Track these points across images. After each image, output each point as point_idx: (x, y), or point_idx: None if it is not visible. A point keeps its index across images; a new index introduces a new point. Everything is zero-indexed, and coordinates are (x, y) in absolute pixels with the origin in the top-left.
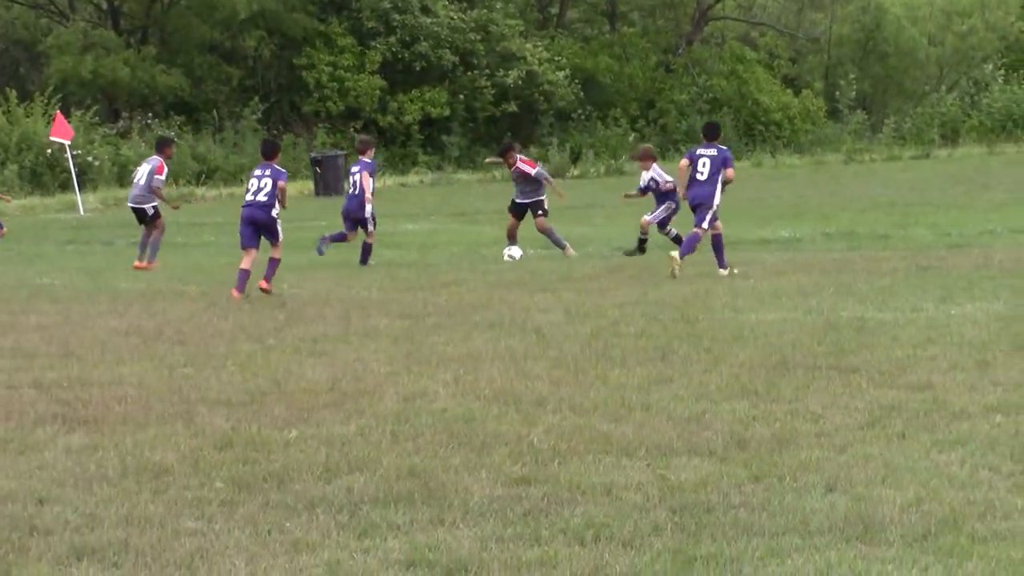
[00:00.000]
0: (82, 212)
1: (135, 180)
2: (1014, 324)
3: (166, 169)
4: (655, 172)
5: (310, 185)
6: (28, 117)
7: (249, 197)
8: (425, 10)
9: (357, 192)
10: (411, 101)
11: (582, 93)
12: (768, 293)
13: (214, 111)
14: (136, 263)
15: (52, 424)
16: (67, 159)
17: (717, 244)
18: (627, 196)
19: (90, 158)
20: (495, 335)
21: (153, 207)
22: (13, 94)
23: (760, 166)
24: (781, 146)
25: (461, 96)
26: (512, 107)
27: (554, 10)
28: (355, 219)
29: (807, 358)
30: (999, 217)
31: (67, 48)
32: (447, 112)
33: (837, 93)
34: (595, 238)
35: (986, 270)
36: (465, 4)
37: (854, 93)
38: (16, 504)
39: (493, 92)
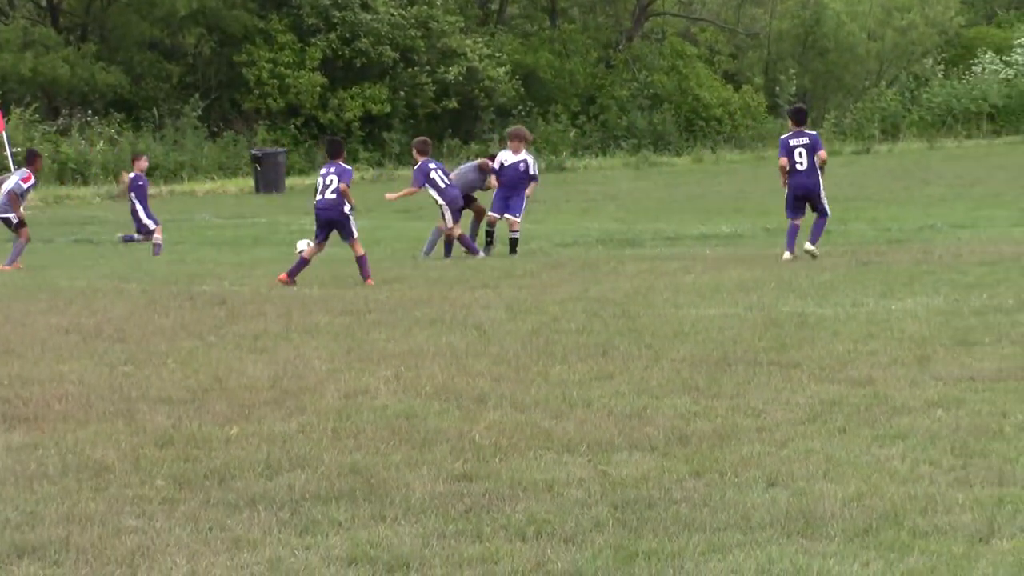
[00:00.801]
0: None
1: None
2: (954, 319)
3: (32, 180)
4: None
5: (250, 182)
6: None
7: (319, 196)
8: (365, 6)
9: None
10: (352, 98)
11: (523, 89)
12: (709, 289)
13: (154, 108)
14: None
15: None
16: (6, 157)
17: (792, 231)
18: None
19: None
20: (436, 331)
21: (18, 216)
22: None
23: (701, 161)
24: (722, 142)
25: (402, 92)
26: (453, 103)
27: (494, 6)
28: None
29: (748, 353)
30: (939, 212)
31: (6, 46)
32: (388, 109)
33: (777, 88)
34: (538, 234)
35: (926, 265)
36: (405, 1)
37: (794, 88)
38: None
39: (434, 88)
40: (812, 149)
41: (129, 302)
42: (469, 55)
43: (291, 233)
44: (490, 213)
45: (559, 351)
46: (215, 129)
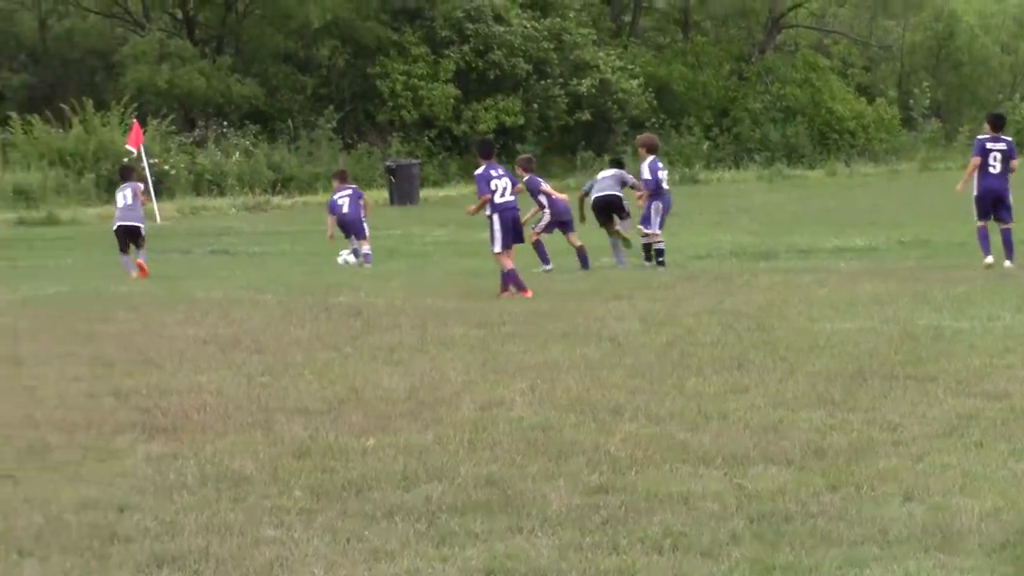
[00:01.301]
0: (158, 221)
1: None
2: None
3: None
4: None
5: (385, 194)
6: (105, 126)
7: (499, 199)
8: (498, 19)
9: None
10: (485, 110)
11: (656, 102)
12: (844, 302)
13: (289, 120)
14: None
15: (132, 432)
16: (143, 168)
17: (983, 234)
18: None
19: (166, 167)
20: (571, 344)
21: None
22: (90, 103)
23: (834, 175)
24: (855, 155)
25: (535, 105)
26: (586, 116)
27: (627, 19)
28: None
29: (884, 367)
30: None
31: (143, 58)
32: (521, 121)
33: (911, 101)
34: (672, 247)
35: None
36: (538, 13)
37: (928, 101)
38: (97, 511)
39: (567, 101)
40: (1007, 155)
41: (266, 313)
42: (602, 67)
43: (425, 245)
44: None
45: (694, 363)
46: (349, 141)
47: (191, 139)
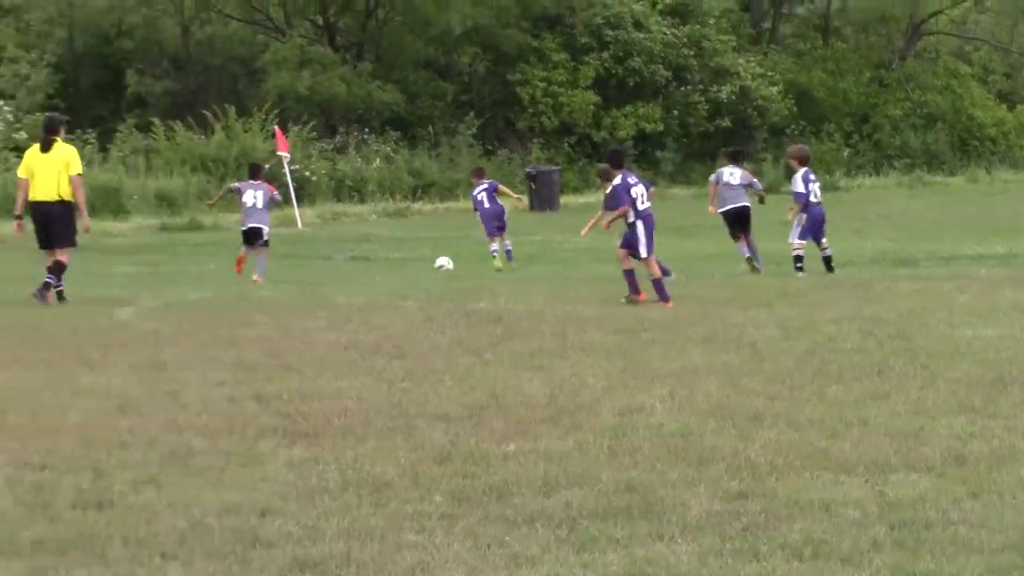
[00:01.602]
0: (300, 226)
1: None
2: None
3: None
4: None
5: (525, 200)
6: (246, 133)
7: (640, 206)
8: (638, 25)
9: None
10: (625, 116)
11: (796, 108)
12: (985, 309)
13: (429, 127)
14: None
15: (273, 437)
16: (285, 174)
17: None
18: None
19: (307, 173)
20: (710, 350)
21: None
22: (232, 110)
23: (976, 181)
24: (996, 161)
25: (675, 111)
26: (726, 122)
27: (767, 25)
28: None
29: None
30: None
31: (284, 64)
32: (661, 127)
33: None
34: (812, 253)
35: None
36: (678, 20)
37: None
38: (239, 516)
39: (707, 107)
40: None
41: (406, 319)
42: (742, 74)
43: (565, 251)
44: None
45: (834, 370)
46: (490, 147)
47: (332, 145)
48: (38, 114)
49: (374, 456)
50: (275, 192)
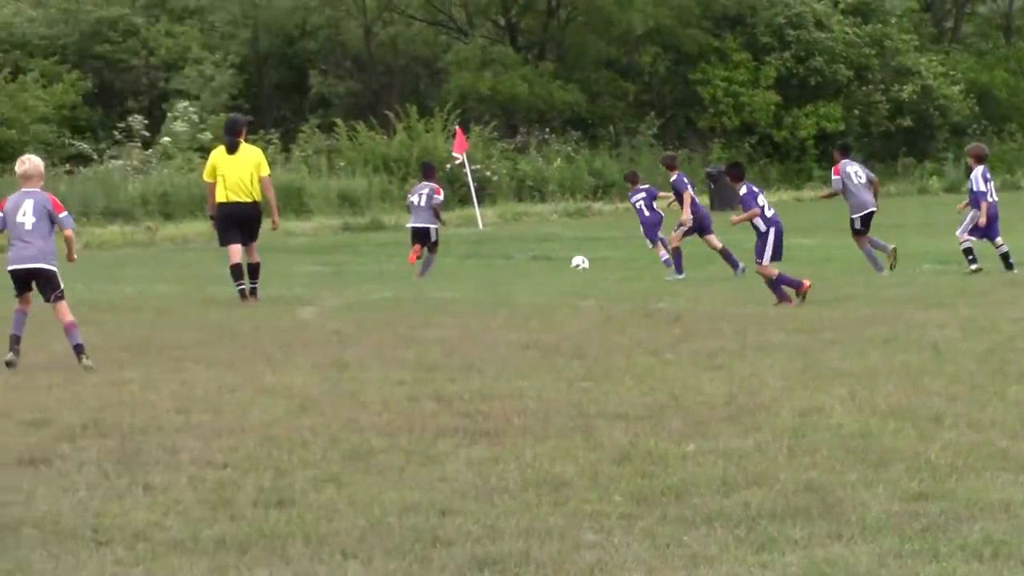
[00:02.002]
0: (481, 226)
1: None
2: None
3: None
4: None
5: (706, 200)
6: (428, 133)
7: (769, 213)
8: (820, 25)
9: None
10: (806, 116)
11: (977, 108)
12: None
13: (610, 126)
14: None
15: (453, 436)
16: (466, 174)
17: None
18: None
19: (488, 173)
20: (890, 350)
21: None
22: (414, 110)
23: None
24: None
25: (856, 111)
26: (907, 122)
27: (948, 24)
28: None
29: None
30: None
31: (466, 64)
32: (842, 127)
33: None
34: (990, 252)
35: None
36: (860, 19)
37: None
38: (419, 515)
39: (888, 107)
40: None
41: (586, 319)
42: (924, 73)
43: (746, 251)
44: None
45: (1015, 370)
46: (670, 147)
47: (513, 145)
48: (222, 115)
49: (553, 455)
50: (439, 192)
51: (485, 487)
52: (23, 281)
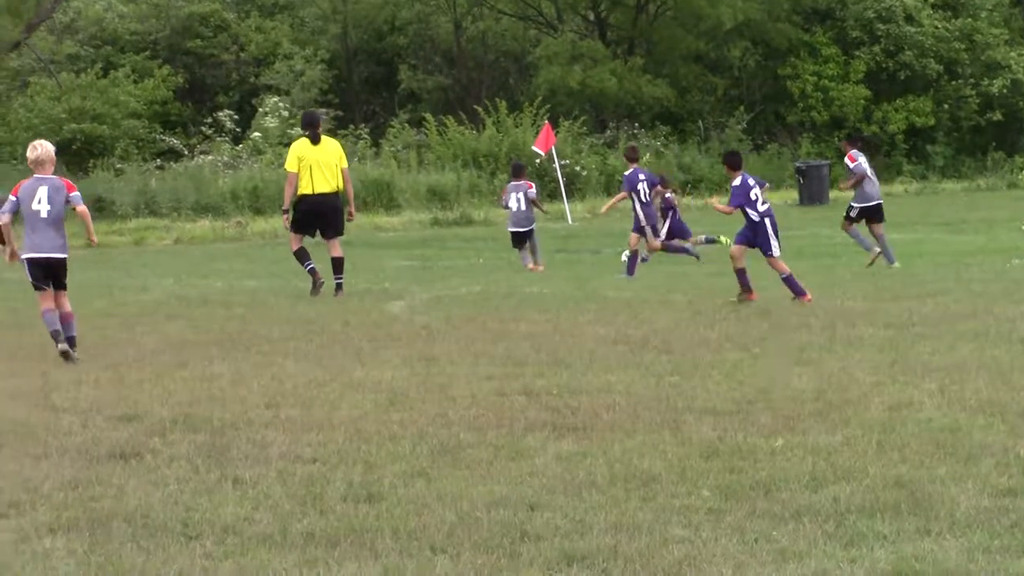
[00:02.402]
0: (570, 221)
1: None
2: None
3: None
4: None
5: (794, 194)
6: (517, 127)
7: (761, 207)
8: (909, 19)
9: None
10: (895, 111)
11: None
12: None
13: (699, 121)
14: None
15: (542, 431)
16: (555, 169)
17: None
18: None
19: (578, 168)
20: (980, 345)
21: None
22: (503, 105)
23: None
24: None
25: (945, 105)
26: (997, 116)
27: None
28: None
29: None
30: None
31: (555, 59)
32: (931, 121)
33: None
34: None
35: None
36: (949, 13)
37: None
38: (508, 509)
39: (978, 101)
40: None
41: (674, 313)
42: (1014, 68)
43: (833, 245)
44: None
45: None
46: (759, 142)
47: (602, 140)
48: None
49: (642, 450)
50: (532, 187)
51: (573, 482)
52: (44, 270)
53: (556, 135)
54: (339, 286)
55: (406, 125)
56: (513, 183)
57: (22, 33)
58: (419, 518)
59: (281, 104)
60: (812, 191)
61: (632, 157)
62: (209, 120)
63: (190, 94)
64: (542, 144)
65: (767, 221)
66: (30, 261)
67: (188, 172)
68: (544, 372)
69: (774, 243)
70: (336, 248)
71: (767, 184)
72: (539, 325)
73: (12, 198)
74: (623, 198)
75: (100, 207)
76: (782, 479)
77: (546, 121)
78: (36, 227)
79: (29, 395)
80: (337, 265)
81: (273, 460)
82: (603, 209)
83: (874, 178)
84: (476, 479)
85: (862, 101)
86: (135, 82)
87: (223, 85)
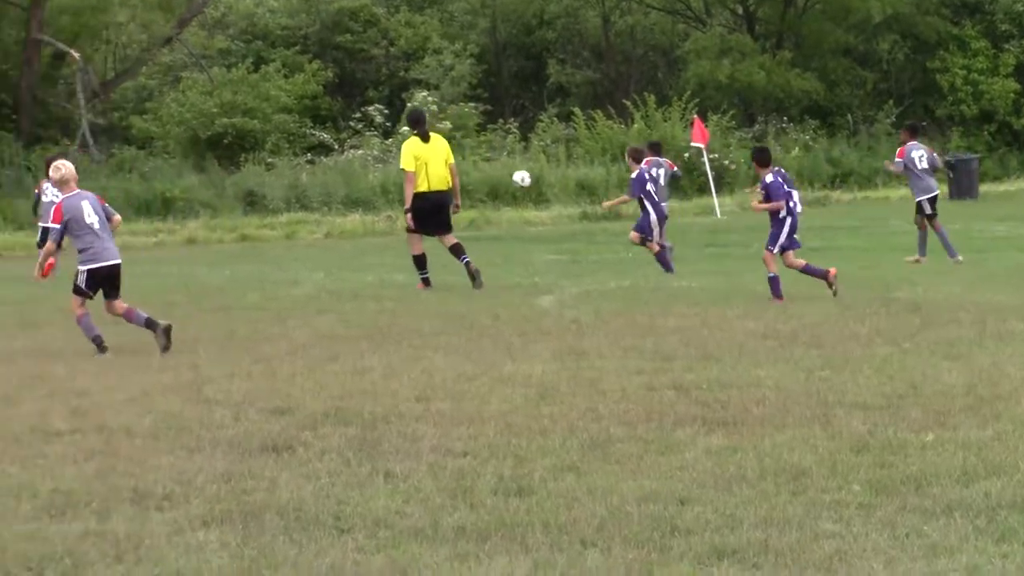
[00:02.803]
0: (719, 215)
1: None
2: None
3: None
4: None
5: (944, 188)
6: (666, 122)
7: (792, 204)
8: None
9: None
10: None
11: None
12: None
13: (848, 115)
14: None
15: (692, 425)
16: (703, 163)
17: None
18: None
19: (726, 162)
20: None
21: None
22: (651, 99)
23: None
24: None
25: None
26: None
27: None
28: None
29: None
30: None
31: (704, 53)
32: None
33: None
34: None
35: None
36: None
37: None
38: (658, 504)
39: None
40: None
41: (824, 308)
42: None
43: (984, 240)
44: None
45: None
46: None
47: (751, 134)
48: (461, 104)
49: (792, 444)
50: (672, 165)
51: (723, 476)
52: (106, 279)
53: (706, 130)
54: (468, 263)
55: (555, 120)
56: (654, 158)
57: (174, 28)
58: (569, 512)
59: (430, 98)
60: (962, 185)
61: (637, 158)
62: (359, 115)
63: (340, 89)
64: (699, 137)
65: (789, 220)
66: (92, 272)
67: (338, 167)
68: (693, 367)
69: (783, 240)
70: (450, 238)
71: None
72: (687, 319)
73: (56, 226)
74: (625, 201)
75: (251, 201)
76: (933, 474)
77: (695, 115)
78: (94, 239)
79: (182, 388)
80: (458, 250)
81: (424, 454)
82: (605, 205)
83: (924, 170)
84: (626, 473)
85: (1011, 95)
86: (285, 77)
87: (373, 80)
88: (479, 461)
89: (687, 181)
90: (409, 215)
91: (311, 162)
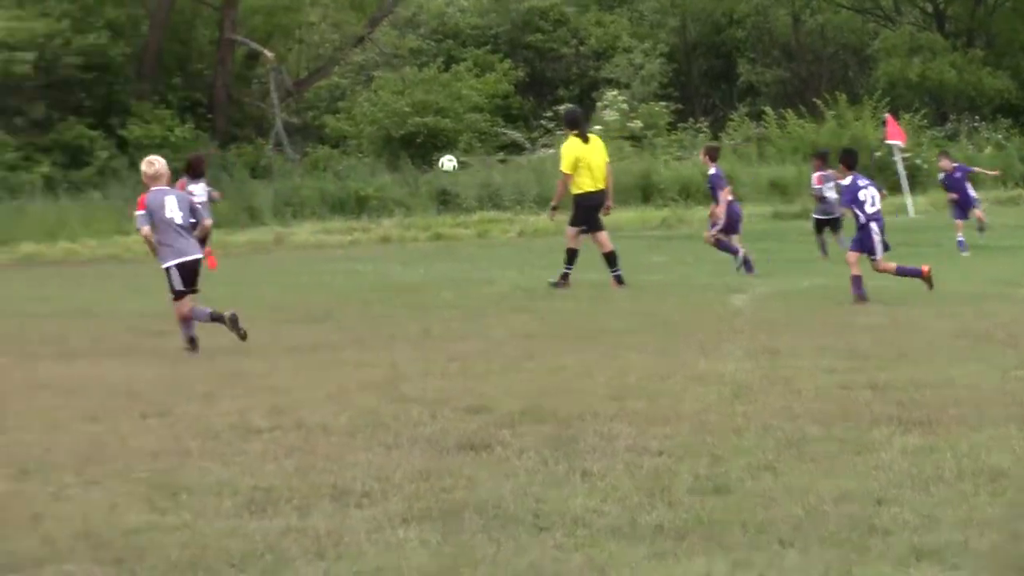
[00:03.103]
0: (911, 214)
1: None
2: None
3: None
4: None
5: None
6: (857, 120)
7: (870, 209)
8: None
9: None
10: None
11: None
12: None
13: None
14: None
15: (888, 425)
16: (895, 162)
17: None
18: None
19: (918, 161)
20: None
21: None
22: (842, 98)
23: None
24: None
25: None
26: None
27: None
28: None
29: None
30: None
31: (894, 51)
32: None
33: None
34: None
35: None
36: None
37: None
38: (854, 504)
39: None
40: None
41: (1019, 307)
42: None
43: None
44: None
45: None
46: None
47: (943, 133)
48: (652, 103)
49: (989, 445)
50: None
51: (920, 476)
52: (190, 273)
53: (900, 128)
54: (619, 278)
55: (745, 118)
56: (828, 171)
57: (366, 28)
58: (766, 511)
59: (621, 97)
60: None
61: (714, 157)
62: (550, 114)
63: (530, 88)
64: (896, 135)
65: (874, 225)
66: (177, 267)
67: (530, 165)
68: (887, 366)
69: (878, 247)
70: (607, 242)
71: (884, 190)
72: (881, 318)
73: (141, 212)
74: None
75: (444, 200)
76: None
77: (887, 114)
78: (176, 235)
79: (379, 386)
80: (611, 259)
81: (620, 452)
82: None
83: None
84: (822, 473)
85: None
86: (476, 76)
87: (563, 79)
88: (675, 460)
89: (880, 180)
90: (552, 212)
91: (503, 161)
